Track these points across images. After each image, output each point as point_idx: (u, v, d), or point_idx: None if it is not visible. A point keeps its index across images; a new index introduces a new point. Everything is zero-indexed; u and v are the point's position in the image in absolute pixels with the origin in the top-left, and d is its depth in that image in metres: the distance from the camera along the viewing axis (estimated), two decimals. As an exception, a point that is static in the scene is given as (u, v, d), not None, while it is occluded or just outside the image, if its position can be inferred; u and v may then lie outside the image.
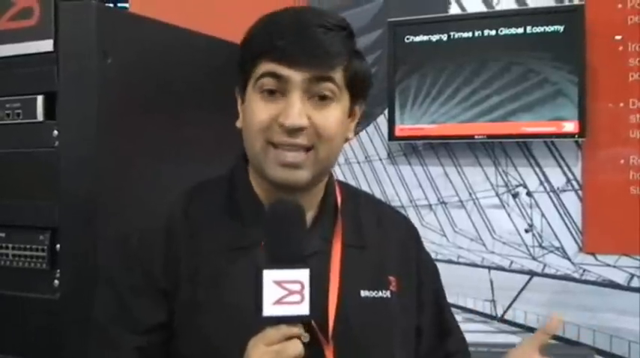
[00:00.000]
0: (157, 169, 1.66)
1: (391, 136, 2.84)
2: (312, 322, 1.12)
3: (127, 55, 1.62)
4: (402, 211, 2.87)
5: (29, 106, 1.61)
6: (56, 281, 1.56)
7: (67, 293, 1.55)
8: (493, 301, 2.75)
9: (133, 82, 1.64)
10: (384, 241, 1.31)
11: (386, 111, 2.87)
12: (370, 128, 3.01)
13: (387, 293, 1.25)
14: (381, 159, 2.99)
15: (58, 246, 1.57)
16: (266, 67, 1.14)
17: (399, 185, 2.93)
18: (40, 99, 1.60)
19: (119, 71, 1.59)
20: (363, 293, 1.23)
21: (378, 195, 2.94)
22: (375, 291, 1.24)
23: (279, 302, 0.98)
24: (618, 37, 2.58)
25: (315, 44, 1.13)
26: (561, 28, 2.58)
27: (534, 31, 2.62)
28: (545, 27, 2.60)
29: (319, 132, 1.14)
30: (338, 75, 1.16)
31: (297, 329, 1.01)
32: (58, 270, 1.57)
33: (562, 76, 2.57)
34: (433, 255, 2.73)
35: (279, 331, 0.99)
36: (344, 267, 1.22)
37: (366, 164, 3.01)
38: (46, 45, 1.60)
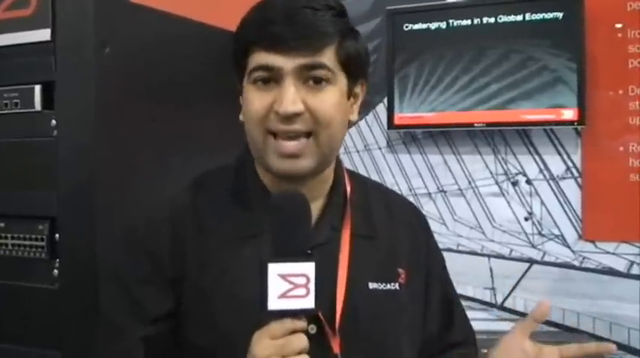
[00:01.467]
0: (155, 158, 1.66)
1: (390, 125, 2.83)
2: (320, 313, 1.12)
3: (125, 45, 1.61)
4: (402, 200, 2.88)
5: (27, 96, 1.61)
6: (55, 271, 1.57)
7: (66, 283, 1.56)
8: (493, 289, 2.75)
9: (131, 72, 1.64)
10: (394, 231, 1.30)
11: (385, 100, 2.87)
12: (369, 117, 3.00)
13: (396, 286, 1.24)
14: (380, 148, 2.99)
15: (57, 235, 1.57)
16: (257, 58, 1.13)
17: (398, 174, 2.93)
18: (37, 88, 1.60)
19: (117, 61, 1.58)
20: (372, 285, 1.22)
21: (377, 183, 2.94)
22: (384, 284, 1.23)
23: (284, 295, 0.98)
24: (619, 25, 2.57)
25: (302, 27, 1.12)
26: (560, 15, 2.57)
27: (533, 18, 2.61)
28: (544, 14, 2.59)
29: (316, 117, 1.13)
30: (329, 57, 1.15)
31: (302, 323, 1.00)
32: (58, 260, 1.57)
33: (561, 63, 2.57)
34: (433, 244, 2.76)
35: (283, 325, 0.99)
36: (353, 257, 1.21)
37: (365, 153, 3.01)
38: (44, 34, 1.59)
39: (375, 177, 2.95)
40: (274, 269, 0.97)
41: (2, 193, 1.65)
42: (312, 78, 1.14)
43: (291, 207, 1.03)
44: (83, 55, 1.55)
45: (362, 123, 3.01)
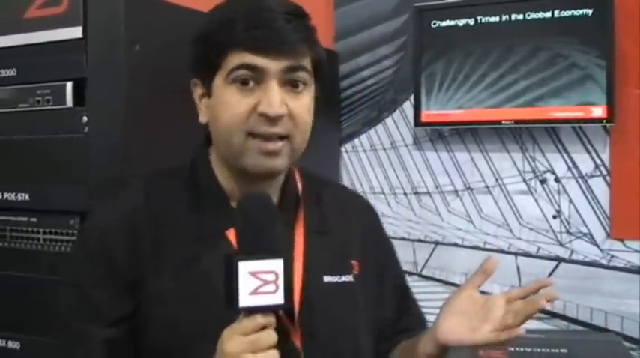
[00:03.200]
0: (184, 155, 1.67)
1: (417, 122, 2.82)
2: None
3: (154, 42, 1.63)
4: (428, 197, 2.88)
5: (59, 93, 1.64)
6: (86, 266, 1.59)
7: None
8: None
9: (161, 69, 1.66)
10: (347, 226, 1.35)
11: (412, 97, 2.86)
12: (396, 114, 3.00)
13: (350, 278, 1.29)
14: (406, 145, 2.98)
15: (87, 230, 1.59)
16: (238, 58, 1.16)
17: (424, 171, 2.92)
18: (69, 85, 1.63)
19: (147, 58, 1.61)
20: (327, 278, 1.26)
21: (403, 181, 2.94)
22: (338, 276, 1.28)
23: (254, 292, 1.00)
24: (648, 22, 2.54)
25: (285, 34, 1.15)
26: (590, 12, 2.54)
27: (562, 14, 2.58)
28: (573, 11, 2.56)
29: (295, 121, 1.18)
30: (307, 62, 1.19)
31: (272, 319, 1.03)
32: (88, 255, 1.59)
33: (590, 60, 2.54)
34: (459, 241, 2.76)
35: (254, 321, 1.01)
36: (307, 252, 1.24)
37: (392, 150, 3.00)
38: (75, 32, 1.62)
39: (401, 174, 2.95)
40: (244, 267, 1.00)
41: (34, 188, 1.68)
42: (292, 81, 1.18)
43: (260, 206, 1.05)
44: (114, 53, 1.57)
45: (388, 120, 3.01)
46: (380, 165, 3.01)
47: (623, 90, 2.54)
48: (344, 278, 1.28)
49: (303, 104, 1.19)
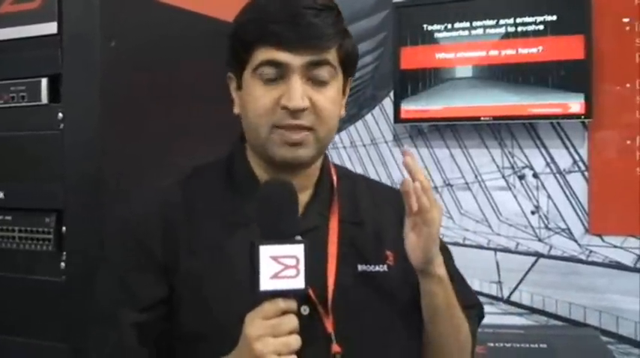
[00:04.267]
0: (161, 151, 1.66)
1: (397, 118, 2.83)
2: (312, 295, 1.16)
3: (131, 38, 1.62)
4: (408, 193, 2.88)
5: (34, 89, 1.62)
6: (62, 264, 1.58)
7: (73, 276, 1.56)
8: (499, 283, 2.75)
9: (137, 65, 1.65)
10: (381, 217, 1.35)
11: (391, 94, 2.87)
12: (376, 110, 3.00)
13: (384, 268, 1.29)
14: (386, 142, 2.98)
15: (64, 228, 1.58)
16: (264, 54, 1.17)
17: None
18: (44, 82, 1.61)
19: (123, 54, 1.59)
20: (360, 267, 1.27)
21: (383, 177, 2.94)
22: (372, 266, 1.28)
23: (275, 276, 1.01)
24: (626, 19, 2.56)
25: (309, 28, 1.16)
26: (568, 9, 2.56)
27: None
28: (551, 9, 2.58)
29: (318, 114, 1.19)
30: (332, 56, 1.20)
31: (294, 304, 1.03)
32: (64, 253, 1.58)
33: (569, 56, 2.56)
34: (439, 237, 2.76)
35: (275, 305, 1.02)
36: (341, 242, 1.26)
37: (372, 147, 3.01)
38: (50, 27, 1.60)
39: (381, 170, 2.96)
40: (266, 251, 1.01)
41: (9, 186, 1.66)
42: (317, 75, 1.19)
43: (280, 191, 1.07)
44: (89, 49, 1.55)
45: (368, 117, 3.01)
46: (360, 161, 3.01)
47: (601, 86, 2.57)
48: (378, 268, 1.29)
49: (327, 97, 1.20)
